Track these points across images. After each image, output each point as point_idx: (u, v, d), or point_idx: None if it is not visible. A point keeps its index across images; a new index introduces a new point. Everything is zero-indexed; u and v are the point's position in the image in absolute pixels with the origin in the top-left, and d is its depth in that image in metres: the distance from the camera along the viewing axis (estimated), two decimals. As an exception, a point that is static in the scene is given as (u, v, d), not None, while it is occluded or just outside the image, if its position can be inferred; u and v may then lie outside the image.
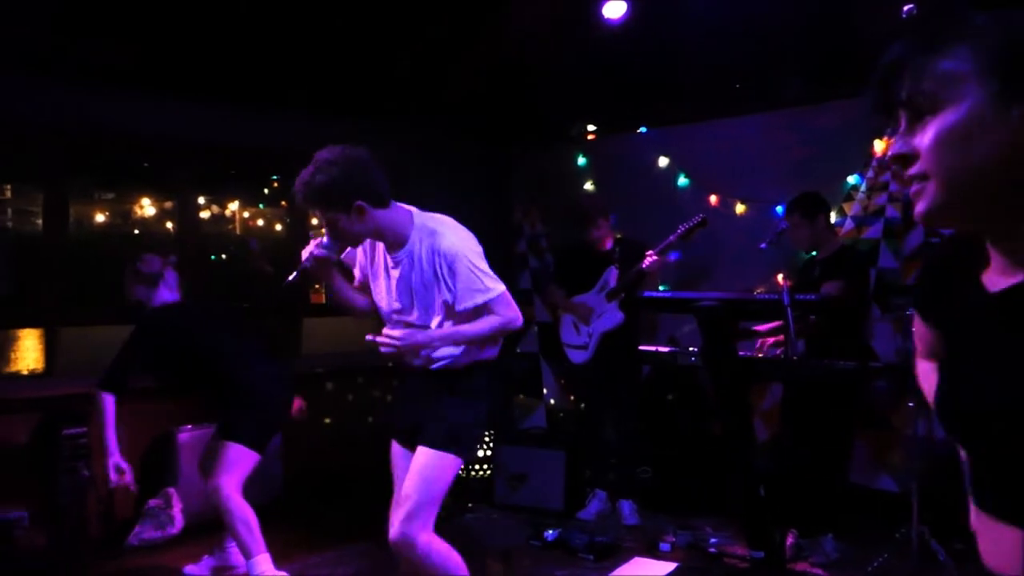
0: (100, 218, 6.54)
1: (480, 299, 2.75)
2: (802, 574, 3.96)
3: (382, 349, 2.75)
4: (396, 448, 3.04)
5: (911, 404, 4.07)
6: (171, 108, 4.91)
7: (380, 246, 2.89)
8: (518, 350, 6.40)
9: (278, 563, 3.93)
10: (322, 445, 5.50)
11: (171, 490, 4.45)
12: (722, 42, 4.67)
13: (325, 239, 2.77)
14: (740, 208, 5.41)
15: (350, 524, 4.73)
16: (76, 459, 4.25)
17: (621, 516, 4.88)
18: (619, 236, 5.09)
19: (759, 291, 4.66)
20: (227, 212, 6.52)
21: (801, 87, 5.11)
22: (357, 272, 3.05)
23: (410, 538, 2.73)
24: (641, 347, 4.35)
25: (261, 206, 7.63)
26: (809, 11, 4.48)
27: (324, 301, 7.98)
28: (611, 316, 4.83)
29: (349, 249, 2.96)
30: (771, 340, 4.09)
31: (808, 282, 4.20)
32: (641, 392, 5.14)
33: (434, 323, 2.82)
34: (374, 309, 3.01)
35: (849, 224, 4.94)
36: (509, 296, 2.83)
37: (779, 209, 4.94)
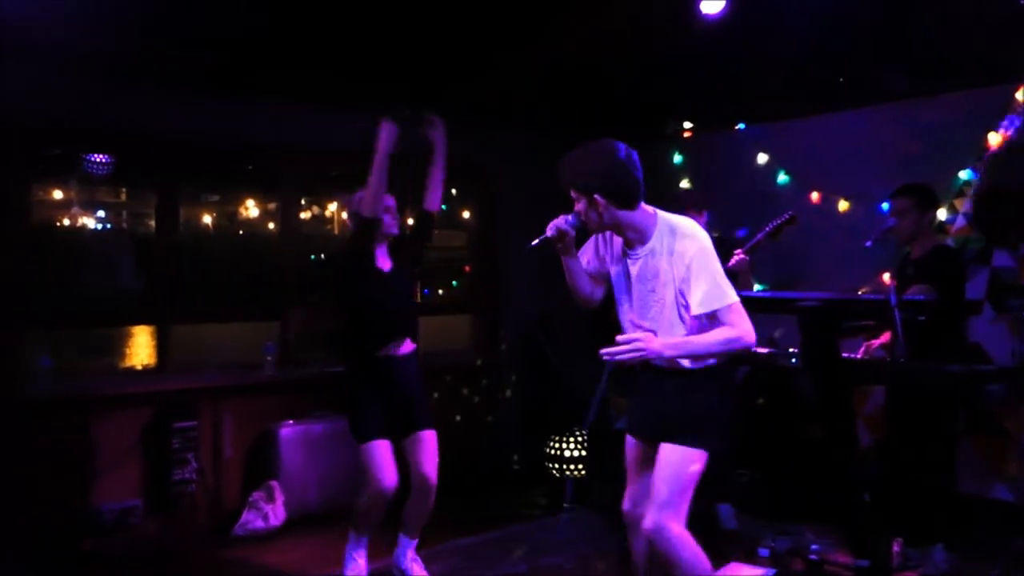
0: (207, 220, 6.80)
1: (716, 305, 2.73)
2: (909, 584, 3.81)
3: (617, 358, 2.72)
4: (631, 442, 3.10)
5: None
6: (272, 112, 5.08)
7: (618, 242, 2.93)
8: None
9: (376, 558, 4.03)
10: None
11: (274, 483, 4.60)
12: (824, 35, 4.53)
13: (571, 216, 2.85)
14: (843, 205, 5.25)
15: (448, 521, 4.79)
16: (186, 451, 4.45)
17: (719, 519, 4.79)
18: (716, 234, 4.99)
19: (863, 291, 4.52)
20: (327, 213, 6.68)
21: (908, 80, 4.92)
22: (588, 259, 3.05)
23: (663, 527, 2.79)
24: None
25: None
26: (915, 2, 4.31)
27: (419, 300, 8.22)
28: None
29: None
30: (876, 342, 3.95)
31: (902, 282, 4.02)
32: (738, 393, 5.03)
33: (665, 324, 2.82)
34: (594, 299, 3.09)
35: (961, 221, 4.73)
36: (742, 308, 2.79)
37: (884, 206, 4.76)
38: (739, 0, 4.47)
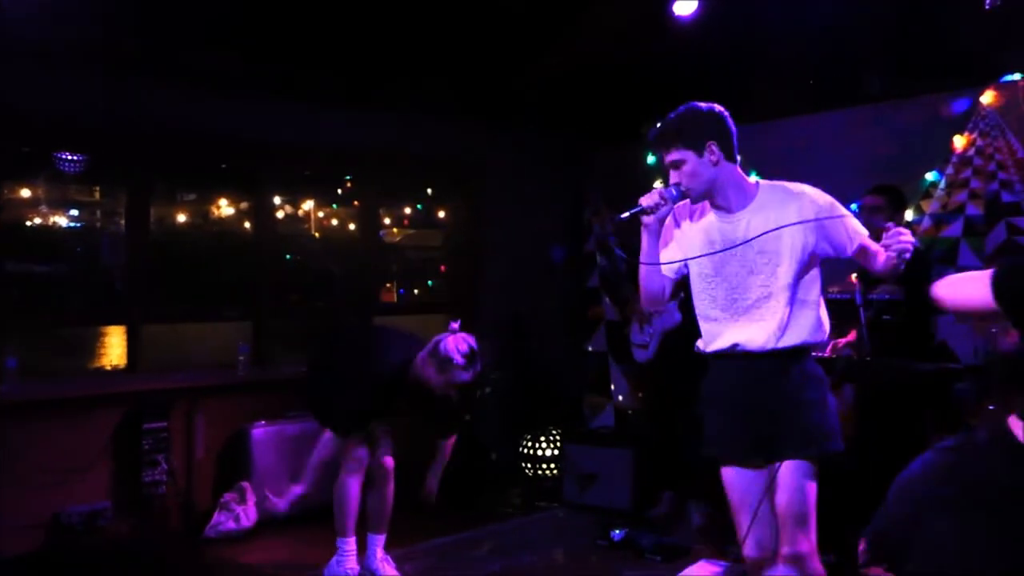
0: (181, 218, 6.75)
1: (864, 232, 2.66)
2: (875, 580, 3.85)
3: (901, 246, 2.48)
4: (736, 474, 2.72)
5: (991, 407, 3.92)
6: (247, 109, 5.05)
7: (706, 221, 2.70)
8: (589, 348, 6.39)
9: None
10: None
11: (245, 484, 4.58)
12: (798, 38, 4.59)
13: (669, 189, 2.62)
14: (813, 207, 5.29)
15: (422, 521, 4.79)
16: (157, 452, 4.42)
17: (690, 517, 4.83)
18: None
19: (832, 290, 4.57)
20: (299, 212, 6.65)
21: (880, 82, 4.98)
22: (669, 254, 2.77)
23: (806, 556, 2.66)
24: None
25: (335, 206, 7.76)
26: (887, 5, 4.38)
27: (395, 300, 8.23)
28: (670, 316, 4.79)
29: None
30: (843, 341, 3.99)
31: (869, 282, 4.08)
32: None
33: (771, 300, 2.60)
34: (664, 296, 2.80)
35: (927, 222, 4.80)
36: None
37: (853, 207, 4.81)
38: (713, 2, 4.53)
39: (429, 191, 7.03)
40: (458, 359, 3.61)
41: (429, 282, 7.99)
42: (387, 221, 8.35)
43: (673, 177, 2.63)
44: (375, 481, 3.89)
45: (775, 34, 4.64)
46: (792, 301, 2.61)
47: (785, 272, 2.60)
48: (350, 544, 3.83)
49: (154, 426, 4.42)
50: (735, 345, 2.63)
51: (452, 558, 4.31)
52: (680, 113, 2.65)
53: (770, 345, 2.60)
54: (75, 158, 4.86)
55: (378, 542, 3.91)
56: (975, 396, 4.39)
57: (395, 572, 3.92)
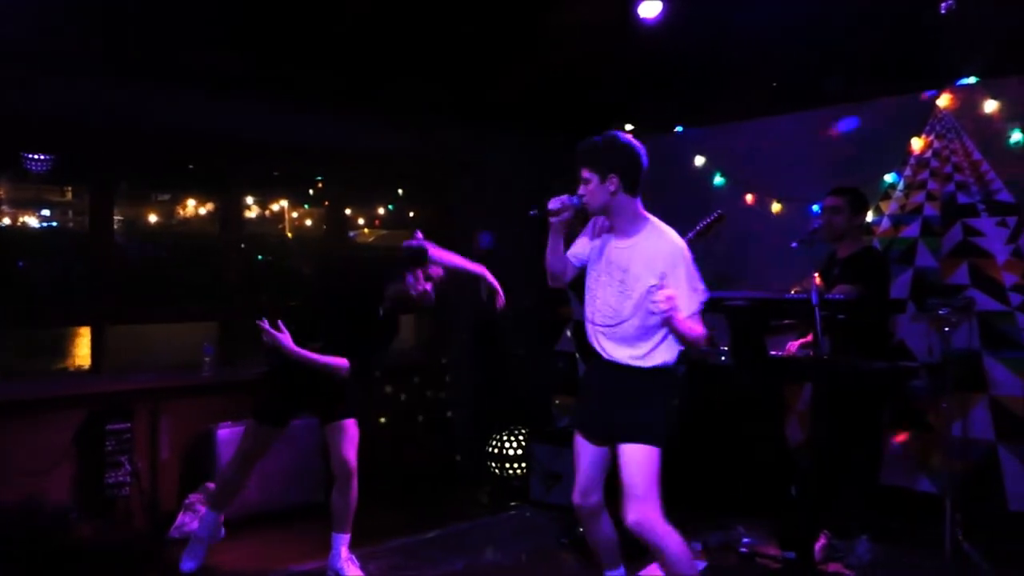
0: (148, 219, 6.70)
1: (695, 305, 2.99)
2: (830, 575, 3.92)
3: (660, 305, 2.87)
4: (580, 439, 3.25)
5: (945, 405, 4.01)
6: (216, 108, 5.02)
7: (605, 237, 3.16)
8: (557, 348, 6.43)
9: (315, 558, 4.05)
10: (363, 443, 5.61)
11: (211, 485, 4.57)
12: (762, 41, 4.65)
13: (573, 198, 3.06)
14: (776, 207, 5.37)
15: (388, 520, 4.82)
16: (121, 454, 4.40)
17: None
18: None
19: (796, 290, 4.64)
20: (268, 212, 6.64)
21: (842, 85, 5.06)
22: (578, 246, 3.29)
23: (645, 519, 2.96)
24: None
25: (307, 206, 7.74)
26: (850, 9, 4.44)
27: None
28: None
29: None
30: (797, 342, 4.06)
31: (828, 281, 4.15)
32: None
33: (627, 311, 3.02)
34: (564, 277, 3.31)
35: (886, 223, 4.88)
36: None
37: (815, 208, 4.89)
38: (677, 5, 4.58)
39: (400, 191, 7.04)
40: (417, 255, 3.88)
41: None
42: (361, 221, 8.36)
43: (580, 189, 3.04)
44: (338, 479, 3.90)
45: (739, 37, 4.70)
46: (650, 326, 3.00)
47: (639, 300, 2.99)
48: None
49: (118, 427, 4.39)
50: (601, 352, 3.12)
51: (416, 557, 4.32)
52: (602, 138, 3.05)
53: (626, 360, 3.06)
54: (41, 157, 4.83)
55: (343, 541, 3.93)
56: (930, 393, 4.49)
57: (359, 572, 3.93)
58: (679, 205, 5.63)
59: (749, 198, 5.45)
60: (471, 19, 4.75)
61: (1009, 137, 4.40)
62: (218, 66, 4.74)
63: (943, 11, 4.26)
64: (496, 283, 3.98)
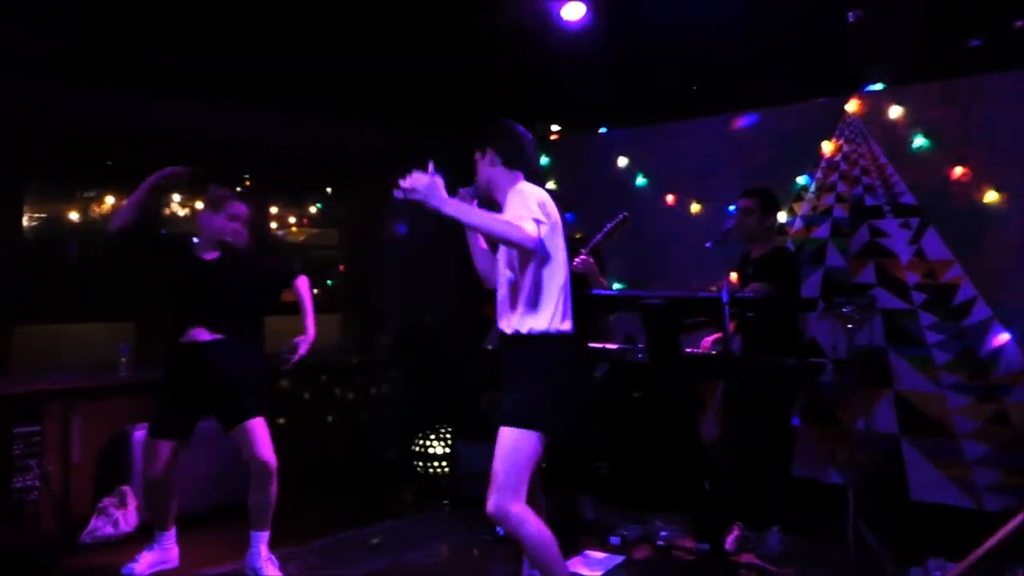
0: (62, 216, 6.53)
1: (516, 213, 2.88)
2: (743, 565, 4.04)
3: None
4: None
5: (853, 399, 4.16)
6: (134, 103, 4.92)
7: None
8: (487, 347, 6.45)
9: (232, 560, 4.00)
10: (285, 443, 5.56)
11: (126, 488, 4.48)
12: (682, 46, 4.75)
13: (469, 188, 3.19)
14: (695, 208, 5.49)
15: (311, 520, 4.79)
16: (29, 457, 4.28)
17: (581, 511, 4.94)
18: (578, 235, 5.13)
19: (713, 289, 4.74)
20: (185, 210, 6.51)
21: (759, 90, 5.20)
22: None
23: (502, 510, 2.91)
24: (591, 344, 4.40)
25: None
26: (768, 18, 4.57)
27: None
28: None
29: None
30: (712, 337, 4.16)
31: (742, 280, 4.28)
32: (597, 389, 5.19)
33: (504, 277, 3.08)
34: (492, 277, 3.25)
35: (799, 224, 5.03)
36: (535, 227, 2.87)
37: (732, 208, 5.01)
38: (600, 9, 4.65)
39: (329, 189, 6.98)
40: (216, 190, 3.99)
41: (328, 281, 7.92)
42: (291, 219, 8.26)
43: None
44: (256, 479, 3.86)
45: (661, 42, 4.79)
46: (531, 292, 3.00)
47: (526, 267, 3.00)
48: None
49: (26, 430, 4.27)
50: (499, 327, 3.11)
51: (338, 557, 4.30)
52: (486, 125, 3.20)
53: (509, 330, 3.04)
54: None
55: (261, 539, 3.88)
56: (838, 389, 4.64)
57: (278, 573, 3.90)
58: (603, 205, 5.75)
59: (670, 199, 5.56)
60: (396, 18, 4.75)
61: (912, 142, 4.58)
62: (137, 61, 4.65)
63: (851, 20, 4.43)
64: (307, 339, 4.05)
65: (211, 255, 3.96)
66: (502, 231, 2.80)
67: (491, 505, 2.92)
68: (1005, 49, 4.22)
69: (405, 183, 2.85)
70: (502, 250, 3.12)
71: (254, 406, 3.88)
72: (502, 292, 3.11)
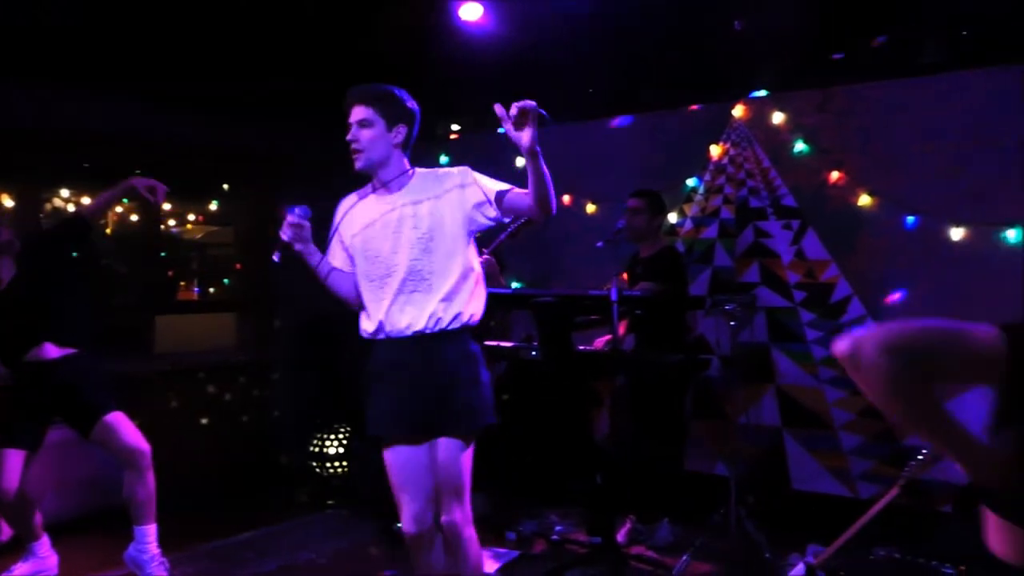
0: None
1: (497, 187, 2.87)
2: (633, 557, 4.15)
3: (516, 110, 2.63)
4: (398, 450, 2.83)
5: (737, 394, 4.32)
6: (15, 96, 4.73)
7: (367, 204, 2.87)
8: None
9: (114, 566, 3.89)
10: (178, 446, 5.43)
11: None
12: (579, 48, 4.83)
13: (294, 210, 2.80)
14: (591, 208, 5.60)
15: (202, 525, 4.69)
16: None
17: (473, 507, 4.97)
18: (478, 235, 5.16)
19: (608, 287, 4.85)
20: (69, 207, 6.29)
21: (652, 94, 5.34)
22: (338, 256, 2.96)
23: (467, 530, 2.82)
24: (488, 343, 4.45)
25: (125, 201, 7.37)
26: (661, 23, 4.69)
27: (194, 298, 7.95)
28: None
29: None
30: (604, 339, 4.26)
31: (632, 279, 4.41)
32: (494, 386, 5.24)
33: (438, 262, 2.77)
34: (352, 301, 2.95)
35: (688, 225, 5.19)
36: None
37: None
38: (500, 8, 4.69)
39: (225, 186, 6.85)
40: None
41: (225, 280, 7.78)
42: (191, 218, 8.05)
43: (352, 134, 2.80)
44: (130, 472, 3.74)
45: (558, 44, 4.86)
46: (447, 281, 2.77)
47: (440, 251, 2.77)
48: None
49: None
50: (396, 324, 2.77)
51: (229, 560, 4.24)
52: (391, 87, 2.85)
53: (428, 325, 2.75)
54: None
55: (146, 533, 3.77)
56: (725, 384, 4.81)
57: (164, 574, 3.81)
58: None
59: (567, 199, 5.65)
60: (290, 15, 4.70)
61: (793, 147, 4.78)
62: (17, 51, 4.47)
63: (737, 27, 4.60)
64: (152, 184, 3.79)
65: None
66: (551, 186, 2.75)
67: (459, 517, 2.80)
68: (878, 61, 4.45)
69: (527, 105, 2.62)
70: (413, 237, 2.76)
71: (103, 402, 3.76)
72: (401, 285, 2.76)
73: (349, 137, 2.81)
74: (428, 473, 2.81)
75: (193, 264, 8.32)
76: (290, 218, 2.81)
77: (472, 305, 2.84)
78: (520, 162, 5.96)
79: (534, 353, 4.14)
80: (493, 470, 5.14)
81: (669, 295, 4.26)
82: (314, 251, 2.89)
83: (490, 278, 4.67)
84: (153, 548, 3.80)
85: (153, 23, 4.48)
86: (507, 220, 2.95)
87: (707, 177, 5.14)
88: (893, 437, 4.39)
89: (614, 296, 3.68)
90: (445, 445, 2.76)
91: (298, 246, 2.82)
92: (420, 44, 5.14)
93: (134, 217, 6.91)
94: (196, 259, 8.38)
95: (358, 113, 2.80)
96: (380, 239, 2.81)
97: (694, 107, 5.25)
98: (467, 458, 2.81)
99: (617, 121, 5.59)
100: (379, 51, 5.19)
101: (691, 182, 5.19)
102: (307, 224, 2.82)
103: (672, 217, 5.15)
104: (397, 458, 2.82)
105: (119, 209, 6.95)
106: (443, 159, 6.40)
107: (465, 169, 2.92)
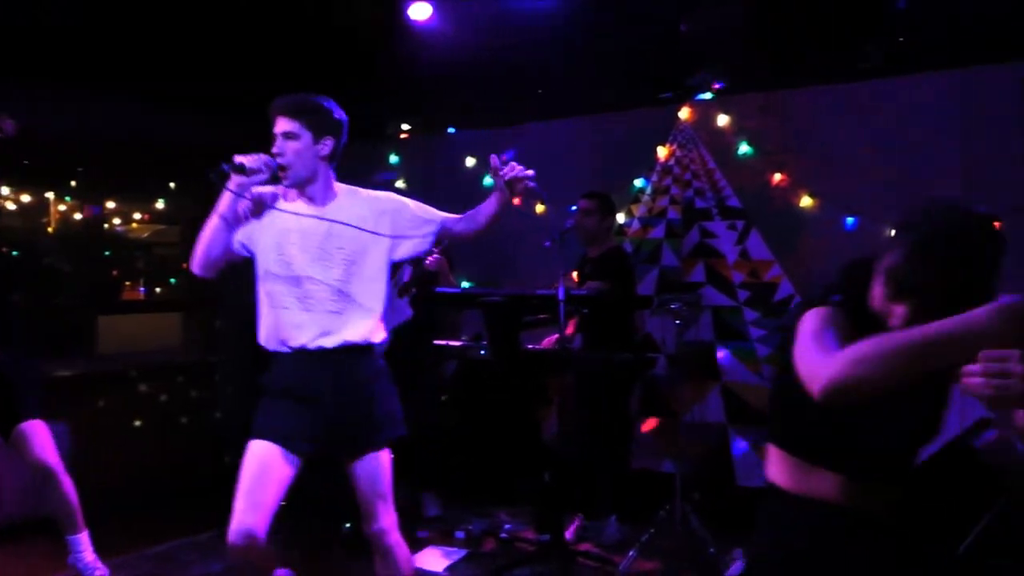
0: None
1: (437, 216, 2.92)
2: (580, 554, 4.19)
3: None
4: (273, 455, 2.75)
5: (683, 392, 4.39)
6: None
7: (289, 216, 2.76)
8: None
9: (60, 570, 3.82)
10: (124, 448, 5.34)
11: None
12: (530, 50, 4.86)
13: (273, 159, 2.70)
14: (540, 208, 5.63)
15: (146, 527, 4.62)
16: None
17: (423, 508, 4.98)
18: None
19: (555, 287, 4.89)
20: (12, 205, 6.15)
21: (602, 95, 5.39)
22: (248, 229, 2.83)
23: (389, 531, 2.85)
24: (437, 342, 4.47)
25: (67, 199, 7.24)
26: (605, 27, 4.74)
27: (140, 297, 7.82)
28: (401, 312, 4.92)
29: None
30: (550, 339, 4.30)
31: (580, 279, 4.46)
32: (442, 386, 5.25)
33: (359, 284, 2.74)
34: (220, 264, 2.84)
35: (636, 225, 5.26)
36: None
37: (573, 209, 5.18)
38: (449, 10, 4.70)
39: (172, 184, 6.74)
40: None
41: (172, 280, 7.65)
42: (137, 216, 7.91)
43: (278, 147, 2.71)
44: (43, 484, 3.62)
45: (509, 45, 4.88)
46: (364, 300, 2.76)
47: (361, 271, 2.76)
48: None
49: None
50: (310, 338, 2.71)
51: (172, 562, 4.19)
52: (319, 98, 2.78)
53: (341, 341, 2.71)
54: None
55: (80, 541, 3.68)
56: (671, 381, 4.88)
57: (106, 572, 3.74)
58: (452, 204, 5.79)
59: (516, 200, 5.67)
60: (241, 12, 4.66)
61: (737, 149, 4.88)
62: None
63: (683, 30, 4.67)
64: None
65: None
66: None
67: (388, 523, 2.84)
68: (818, 66, 4.56)
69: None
70: (338, 257, 2.73)
71: (30, 407, 3.64)
72: (314, 300, 2.72)
73: (275, 150, 2.72)
74: (279, 488, 2.79)
75: (139, 263, 8.18)
76: (266, 158, 2.71)
77: (381, 328, 2.87)
78: (470, 162, 6.00)
79: (483, 352, 4.16)
80: (443, 469, 5.17)
81: (617, 294, 4.32)
82: (246, 197, 2.77)
83: (440, 277, 4.70)
84: (88, 556, 3.71)
85: (94, 18, 4.41)
86: (434, 248, 3.01)
87: (654, 178, 5.21)
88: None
89: (561, 295, 3.72)
90: (368, 458, 2.78)
91: (244, 180, 2.70)
92: (371, 44, 5.13)
93: (78, 215, 6.80)
94: (142, 258, 8.24)
95: (283, 125, 2.72)
96: (297, 248, 2.73)
97: (641, 109, 5.31)
98: (388, 466, 2.85)
99: (564, 123, 5.64)
100: (328, 50, 5.17)
101: (639, 183, 5.26)
102: (262, 177, 2.71)
103: (620, 217, 5.21)
104: (265, 458, 2.77)
105: (62, 207, 6.81)
106: (393, 158, 6.39)
107: (392, 195, 2.93)
